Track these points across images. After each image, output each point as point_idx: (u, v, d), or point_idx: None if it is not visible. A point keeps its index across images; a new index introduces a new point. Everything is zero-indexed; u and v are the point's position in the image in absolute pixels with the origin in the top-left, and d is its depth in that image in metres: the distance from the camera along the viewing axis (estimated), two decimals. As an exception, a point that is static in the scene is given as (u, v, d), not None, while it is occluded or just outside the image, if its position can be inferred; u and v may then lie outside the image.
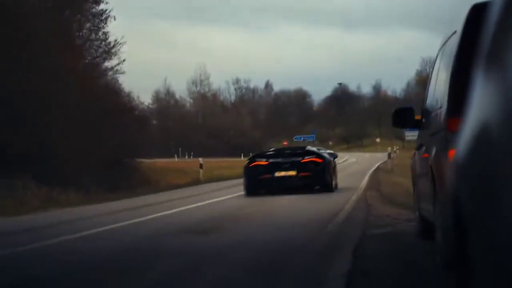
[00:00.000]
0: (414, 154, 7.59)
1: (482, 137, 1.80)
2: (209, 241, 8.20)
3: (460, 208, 2.16)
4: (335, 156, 20.12)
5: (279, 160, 17.41)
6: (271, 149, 20.39)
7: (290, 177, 17.06)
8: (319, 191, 16.96)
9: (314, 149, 19.61)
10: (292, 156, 17.63)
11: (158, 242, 8.34)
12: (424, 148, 6.31)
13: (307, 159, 17.32)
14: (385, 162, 37.87)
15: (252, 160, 18.03)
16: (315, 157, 17.51)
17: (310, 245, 7.24)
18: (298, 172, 17.04)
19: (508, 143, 1.54)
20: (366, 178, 24.68)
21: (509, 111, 1.57)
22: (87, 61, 29.24)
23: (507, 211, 1.56)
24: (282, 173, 17.08)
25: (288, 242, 7.74)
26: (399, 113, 6.92)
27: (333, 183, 17.71)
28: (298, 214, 11.64)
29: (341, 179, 21.07)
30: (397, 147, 59.47)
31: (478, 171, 1.86)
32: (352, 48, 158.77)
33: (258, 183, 17.12)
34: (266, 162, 17.36)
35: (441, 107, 5.16)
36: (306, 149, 18.88)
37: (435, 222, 5.50)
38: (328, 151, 22.69)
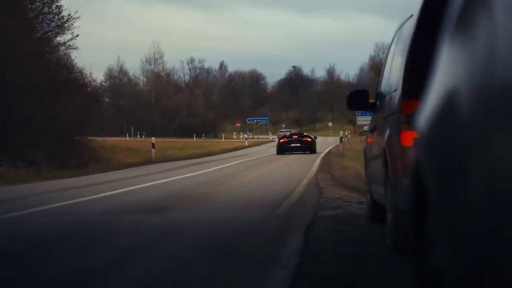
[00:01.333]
0: (367, 137, 7.65)
1: (448, 111, 1.82)
2: (161, 219, 8.17)
3: (421, 189, 2.19)
4: (316, 137, 40.05)
5: (292, 138, 37.28)
6: (288, 133, 42.15)
7: (297, 146, 36.13)
8: (309, 154, 34.42)
9: (307, 134, 40.24)
10: (298, 137, 37.93)
11: (110, 219, 8.27)
12: (377, 131, 6.36)
13: (304, 138, 37.31)
14: (336, 146, 38.23)
15: (280, 138, 38.96)
16: (308, 138, 37.51)
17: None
18: (300, 144, 36.24)
19: (477, 115, 1.56)
20: (318, 161, 24.90)
21: (478, 82, 1.58)
22: (39, 35, 28.68)
23: (473, 189, 1.58)
24: (293, 144, 36.29)
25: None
26: (354, 96, 6.97)
27: (315, 149, 36.27)
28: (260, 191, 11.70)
29: (291, 164, 21.95)
30: (349, 132, 60.06)
31: (443, 148, 1.88)
32: (307, 31, 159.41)
33: (283, 149, 36.05)
34: (287, 139, 37.09)
35: (395, 90, 5.21)
36: (304, 134, 40.86)
37: (386, 205, 5.57)
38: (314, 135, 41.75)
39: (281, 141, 37.21)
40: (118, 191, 13.09)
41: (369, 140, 7.36)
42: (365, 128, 54.82)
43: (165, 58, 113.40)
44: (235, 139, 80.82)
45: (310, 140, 36.76)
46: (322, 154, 31.30)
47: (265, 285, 4.25)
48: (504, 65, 1.42)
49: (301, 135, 39.38)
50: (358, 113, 28.37)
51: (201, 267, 4.91)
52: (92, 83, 34.92)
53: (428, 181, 2.07)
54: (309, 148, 35.88)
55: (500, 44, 1.46)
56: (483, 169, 1.51)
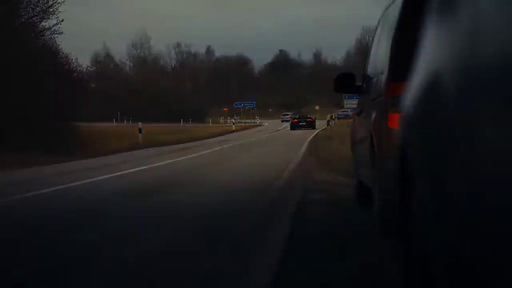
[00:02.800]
0: (354, 120, 7.67)
1: (433, 93, 1.83)
2: (150, 204, 8.17)
3: (407, 171, 2.20)
4: (315, 119, 60.16)
5: (300, 119, 59.24)
6: (297, 116, 63.73)
7: (303, 124, 57.00)
8: (310, 129, 51.41)
9: (309, 116, 60.77)
10: (304, 118, 59.76)
11: (98, 204, 8.26)
12: (364, 113, 6.38)
13: (308, 119, 58.89)
14: (324, 130, 38.32)
15: (292, 118, 63.18)
16: (310, 118, 59.03)
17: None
18: (305, 123, 57.28)
19: (462, 96, 1.57)
20: (306, 144, 24.95)
21: (463, 64, 1.59)
22: (23, 20, 28.43)
23: (459, 171, 1.59)
24: (301, 123, 57.67)
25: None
26: (341, 79, 6.98)
27: (315, 126, 54.38)
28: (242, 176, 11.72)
29: (282, 146, 21.93)
30: (336, 115, 60.28)
31: (429, 130, 1.89)
32: (294, 15, 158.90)
33: (295, 126, 56.83)
34: (297, 120, 59.41)
35: (382, 73, 5.22)
36: (307, 116, 62.21)
37: (373, 187, 5.59)
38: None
39: (293, 121, 58.68)
40: (106, 176, 13.05)
41: (356, 122, 7.38)
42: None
43: (151, 43, 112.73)
44: (222, 123, 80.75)
45: (312, 120, 57.51)
46: (310, 138, 31.37)
47: (254, 268, 4.27)
48: (488, 46, 1.43)
49: (305, 116, 60.67)
50: (345, 96, 28.36)
51: (192, 251, 4.93)
52: (78, 69, 34.70)
53: (414, 163, 2.09)
54: (312, 125, 55.53)
55: (484, 25, 1.48)
56: (468, 151, 1.52)
